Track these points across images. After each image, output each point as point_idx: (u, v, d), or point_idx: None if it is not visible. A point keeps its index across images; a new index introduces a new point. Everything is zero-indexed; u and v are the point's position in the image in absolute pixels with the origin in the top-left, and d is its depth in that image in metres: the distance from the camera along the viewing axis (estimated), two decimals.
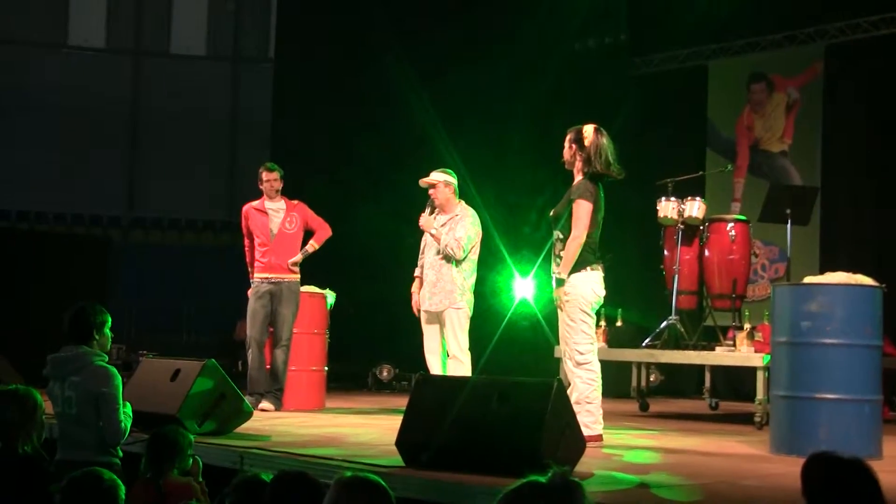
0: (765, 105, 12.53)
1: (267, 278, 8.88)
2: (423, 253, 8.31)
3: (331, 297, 9.41)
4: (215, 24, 22.22)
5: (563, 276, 6.73)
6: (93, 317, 5.76)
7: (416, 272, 8.36)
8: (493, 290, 12.57)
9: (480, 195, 11.92)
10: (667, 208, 9.26)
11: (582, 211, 6.74)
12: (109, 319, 5.84)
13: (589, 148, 6.86)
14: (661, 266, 9.55)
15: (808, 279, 7.08)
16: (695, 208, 9.27)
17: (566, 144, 7.00)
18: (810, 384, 6.48)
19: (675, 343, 8.98)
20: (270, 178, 9.00)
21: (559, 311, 6.90)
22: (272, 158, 8.80)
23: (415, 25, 13.16)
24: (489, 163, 12.33)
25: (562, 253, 6.80)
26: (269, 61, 18.06)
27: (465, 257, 8.04)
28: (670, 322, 9.07)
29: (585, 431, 6.17)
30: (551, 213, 7.02)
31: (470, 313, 8.10)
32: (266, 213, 8.96)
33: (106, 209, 20.41)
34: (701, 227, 9.39)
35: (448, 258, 8.05)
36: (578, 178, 6.93)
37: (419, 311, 8.30)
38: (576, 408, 6.39)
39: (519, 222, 12.14)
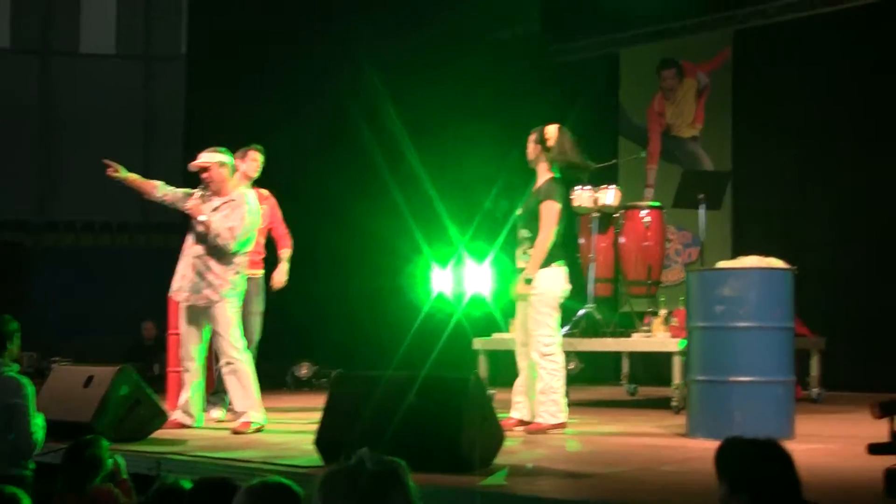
0: (675, 91, 12.61)
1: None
2: (188, 242, 7.49)
3: None
4: (125, 22, 21.89)
5: (532, 275, 6.98)
6: (2, 328, 5.65)
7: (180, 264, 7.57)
8: (411, 284, 12.58)
9: (398, 187, 11.92)
10: (581, 197, 9.29)
11: (551, 212, 7.03)
12: (18, 327, 5.73)
13: (554, 148, 7.10)
14: (577, 254, 9.60)
15: (720, 263, 7.21)
16: (609, 196, 9.32)
17: (530, 144, 7.24)
18: (725, 368, 6.57)
19: (593, 330, 9.01)
20: (257, 159, 8.16)
21: (520, 303, 7.17)
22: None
23: (327, 16, 13.06)
24: (406, 152, 12.28)
25: (529, 251, 7.04)
26: (181, 59, 17.81)
27: (239, 249, 7.35)
28: (587, 310, 9.11)
29: (550, 420, 6.90)
30: (518, 212, 7.29)
31: (238, 309, 7.45)
32: None
33: (17, 213, 20.01)
34: (615, 215, 9.48)
35: (218, 248, 7.31)
36: (545, 177, 7.16)
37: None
38: (541, 398, 6.93)
39: (432, 214, 12.15)
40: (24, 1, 21.34)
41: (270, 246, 8.57)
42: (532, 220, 7.09)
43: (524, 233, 7.16)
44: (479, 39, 13.16)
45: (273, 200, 8.51)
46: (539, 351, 6.99)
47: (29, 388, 5.59)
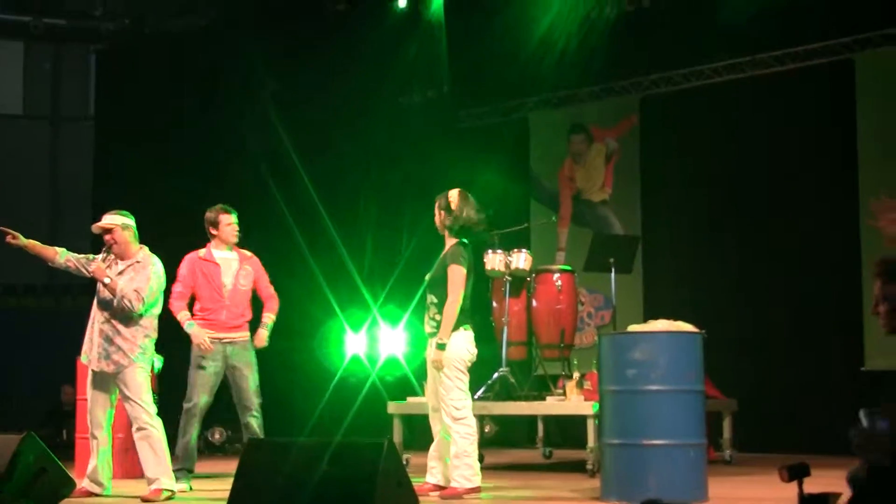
0: (585, 156, 12.75)
1: (219, 339, 8.07)
2: (95, 307, 7.35)
3: (158, 361, 9.05)
4: (32, 83, 21.63)
5: (445, 340, 6.99)
6: None
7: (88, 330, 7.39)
8: (325, 348, 12.50)
9: (311, 250, 11.88)
10: (493, 261, 9.33)
11: (457, 276, 7.05)
12: None
13: (455, 212, 7.17)
14: (490, 318, 9.62)
15: (631, 327, 7.26)
16: (521, 260, 9.37)
17: (436, 210, 7.30)
18: (638, 431, 6.59)
19: (507, 394, 9.01)
20: (232, 222, 8.20)
21: (432, 369, 7.15)
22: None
23: (237, 77, 13.03)
24: (314, 216, 12.23)
25: (437, 316, 7.08)
26: (90, 119, 17.65)
27: (146, 312, 7.23)
28: (501, 373, 9.11)
29: (465, 484, 6.88)
30: (426, 277, 7.29)
31: (148, 373, 7.31)
32: (216, 263, 8.16)
33: None
34: (528, 279, 9.51)
35: (124, 311, 7.19)
36: (450, 242, 7.21)
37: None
38: (455, 462, 6.91)
39: (345, 277, 12.12)
40: None
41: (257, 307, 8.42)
42: (439, 286, 7.11)
43: (432, 298, 7.19)
44: (389, 103, 13.21)
45: (256, 261, 8.37)
46: (451, 415, 6.99)
47: None
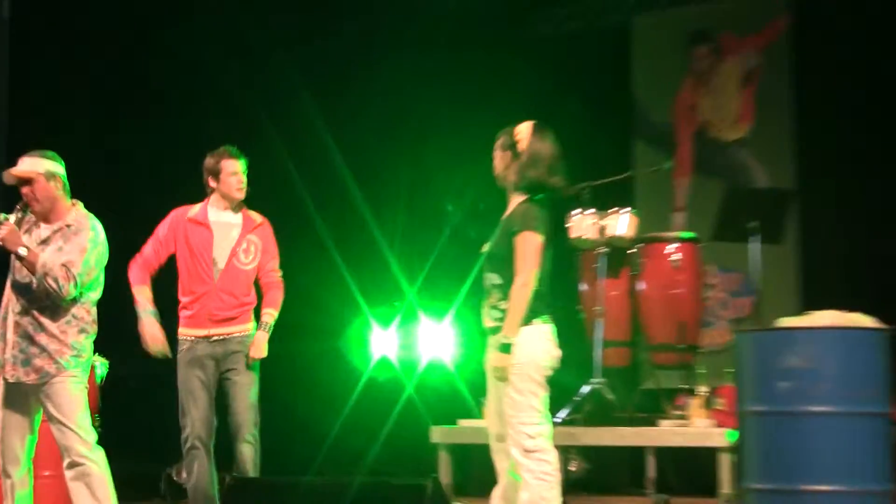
0: (712, 76, 12.74)
1: (206, 336, 8.12)
2: (9, 290, 7.23)
3: (101, 367, 9.08)
4: None
5: (512, 338, 6.83)
6: None
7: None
8: (341, 349, 12.51)
9: (321, 213, 11.86)
10: (582, 225, 9.37)
11: (530, 246, 6.90)
12: None
13: (525, 155, 7.01)
14: (578, 307, 9.61)
15: (784, 321, 7.20)
16: (622, 224, 9.38)
17: (496, 153, 7.16)
18: (794, 471, 6.58)
19: (603, 416, 9.02)
20: (238, 171, 8.24)
21: (495, 380, 7.00)
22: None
23: None
24: (329, 167, 12.22)
25: (501, 304, 6.95)
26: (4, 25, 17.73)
27: (81, 297, 7.13)
28: (594, 386, 9.14)
29: None
30: (483, 249, 7.19)
31: (85, 386, 7.21)
32: (210, 228, 8.20)
33: None
34: (632, 251, 9.54)
35: (49, 295, 7.03)
36: (518, 199, 7.07)
37: None
38: None
39: (370, 249, 12.11)
40: None
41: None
42: (504, 261, 6.99)
43: (493, 278, 7.08)
44: (432, 9, 13.14)
45: (268, 230, 8.40)
46: (521, 446, 6.87)
47: None
